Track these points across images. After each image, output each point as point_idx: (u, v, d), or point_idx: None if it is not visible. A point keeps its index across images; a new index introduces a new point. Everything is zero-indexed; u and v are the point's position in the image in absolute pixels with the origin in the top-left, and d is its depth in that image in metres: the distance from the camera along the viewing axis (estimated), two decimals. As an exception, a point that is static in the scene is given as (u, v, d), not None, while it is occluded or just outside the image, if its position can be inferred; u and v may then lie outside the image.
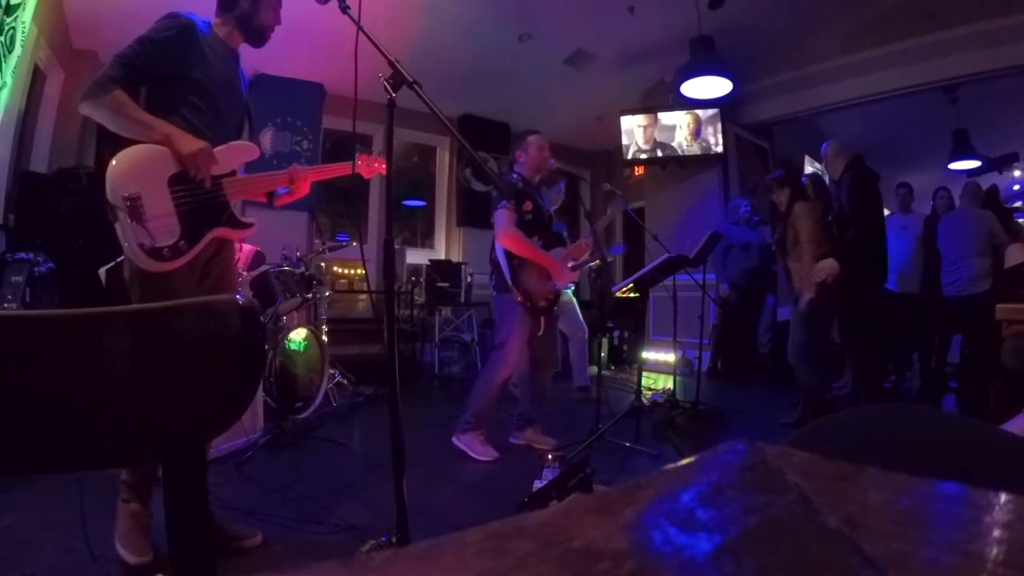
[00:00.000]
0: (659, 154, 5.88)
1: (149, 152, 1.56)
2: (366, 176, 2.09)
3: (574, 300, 4.28)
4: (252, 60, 5.00)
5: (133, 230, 1.50)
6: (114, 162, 1.53)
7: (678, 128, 5.80)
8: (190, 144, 1.56)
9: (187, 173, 1.59)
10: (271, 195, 1.94)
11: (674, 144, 5.82)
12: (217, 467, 2.38)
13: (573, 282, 4.23)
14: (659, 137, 5.85)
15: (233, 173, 1.73)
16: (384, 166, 1.93)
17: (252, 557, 1.68)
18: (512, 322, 2.84)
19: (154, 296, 1.56)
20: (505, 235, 2.79)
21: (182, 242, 1.58)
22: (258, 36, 1.82)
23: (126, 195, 1.50)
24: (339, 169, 2.03)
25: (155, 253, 1.54)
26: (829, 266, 3.11)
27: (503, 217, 2.79)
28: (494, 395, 2.90)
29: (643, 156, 5.96)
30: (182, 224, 1.59)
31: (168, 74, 1.62)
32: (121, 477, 1.65)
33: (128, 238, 1.51)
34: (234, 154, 1.74)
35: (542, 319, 2.89)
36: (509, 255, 2.81)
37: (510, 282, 2.81)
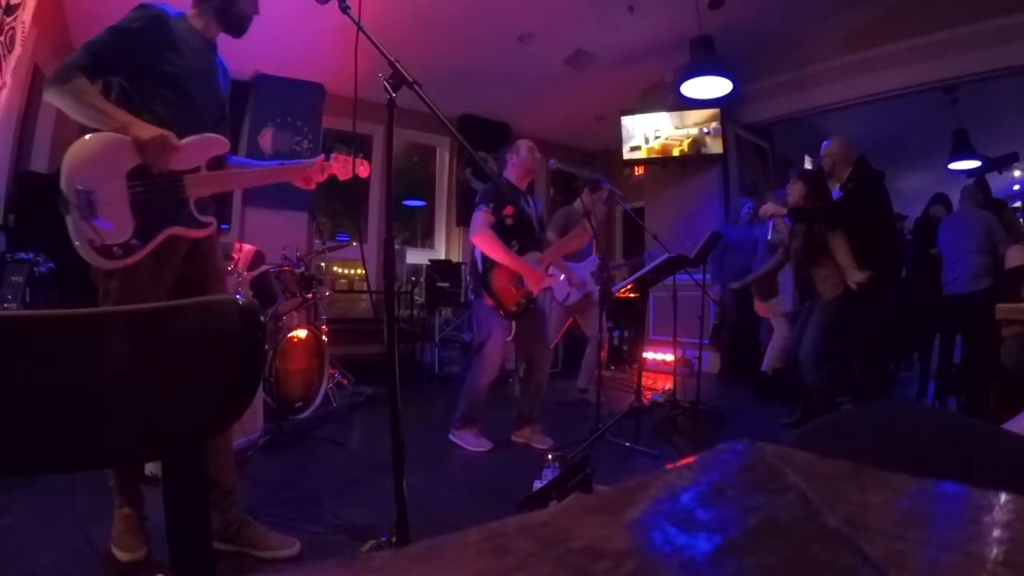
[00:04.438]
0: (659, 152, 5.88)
1: (109, 141, 1.49)
2: (342, 177, 1.90)
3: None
4: (252, 60, 5.04)
5: (82, 226, 1.43)
6: (72, 149, 1.46)
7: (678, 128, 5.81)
8: (148, 131, 1.48)
9: (147, 166, 1.51)
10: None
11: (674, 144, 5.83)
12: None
13: (596, 284, 4.22)
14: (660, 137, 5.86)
15: (198, 169, 1.63)
16: (366, 169, 1.89)
17: (252, 557, 1.68)
18: (489, 325, 2.89)
19: (114, 294, 1.53)
20: (478, 235, 2.84)
21: (134, 240, 1.50)
22: (237, 25, 1.74)
23: (80, 188, 1.43)
24: (297, 172, 1.84)
25: (104, 251, 1.47)
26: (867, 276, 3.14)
27: (479, 218, 2.84)
28: (480, 397, 2.96)
29: (643, 156, 5.97)
30: (136, 220, 1.51)
31: (139, 66, 1.56)
32: (110, 483, 1.64)
33: (77, 234, 1.45)
34: (199, 148, 1.63)
35: (512, 323, 2.91)
36: (485, 258, 2.86)
37: (481, 285, 2.87)
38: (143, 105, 1.57)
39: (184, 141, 1.57)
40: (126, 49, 1.55)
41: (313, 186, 1.87)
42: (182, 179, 1.60)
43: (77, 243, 1.46)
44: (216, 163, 1.73)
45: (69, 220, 1.45)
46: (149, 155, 1.50)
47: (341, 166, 1.87)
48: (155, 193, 1.54)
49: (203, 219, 1.67)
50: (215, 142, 1.68)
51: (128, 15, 1.58)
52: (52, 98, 1.53)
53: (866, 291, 3.16)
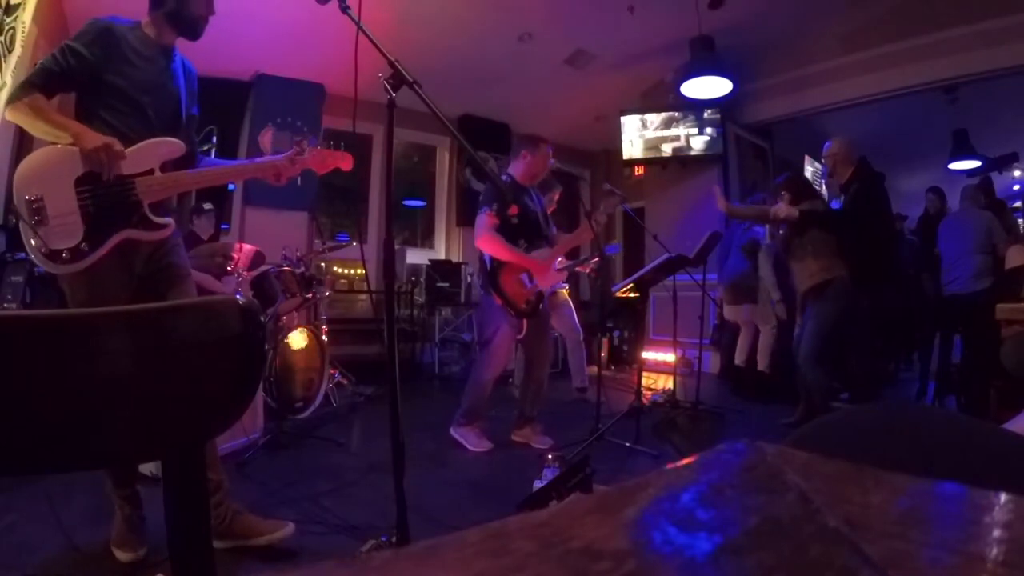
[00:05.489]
0: (660, 154, 5.89)
1: (56, 153, 1.55)
2: (319, 172, 1.90)
3: (570, 300, 4.27)
4: (252, 60, 5.04)
5: (32, 233, 1.49)
6: (22, 163, 1.53)
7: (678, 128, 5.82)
8: (93, 139, 1.51)
9: (95, 173, 1.54)
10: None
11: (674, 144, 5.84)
12: (217, 467, 2.38)
13: (563, 282, 4.23)
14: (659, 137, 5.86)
15: (151, 172, 1.64)
16: (348, 162, 1.89)
17: (252, 557, 1.68)
18: (498, 321, 2.88)
19: (78, 297, 1.57)
20: (482, 239, 2.84)
21: (84, 244, 1.54)
22: (190, 29, 1.74)
23: (28, 197, 1.49)
24: (267, 168, 1.83)
25: (53, 256, 1.50)
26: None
27: (482, 222, 2.83)
28: (484, 393, 2.95)
29: (643, 156, 5.97)
30: (86, 225, 1.55)
31: (88, 80, 1.60)
32: (106, 488, 1.67)
33: (27, 241, 1.51)
34: (149, 152, 1.65)
35: (523, 321, 2.91)
36: (493, 256, 2.86)
37: (490, 284, 2.86)
38: (94, 115, 1.61)
39: (136, 147, 1.61)
40: (75, 64, 1.58)
41: (284, 181, 1.86)
42: (133, 183, 1.62)
43: (29, 250, 1.52)
44: (178, 165, 1.74)
45: (21, 228, 1.52)
46: (94, 162, 1.53)
47: (316, 160, 1.87)
48: (105, 198, 1.58)
49: (159, 220, 1.67)
50: (166, 144, 1.69)
51: (79, 31, 1.62)
52: (12, 116, 1.58)
53: (853, 283, 3.20)
